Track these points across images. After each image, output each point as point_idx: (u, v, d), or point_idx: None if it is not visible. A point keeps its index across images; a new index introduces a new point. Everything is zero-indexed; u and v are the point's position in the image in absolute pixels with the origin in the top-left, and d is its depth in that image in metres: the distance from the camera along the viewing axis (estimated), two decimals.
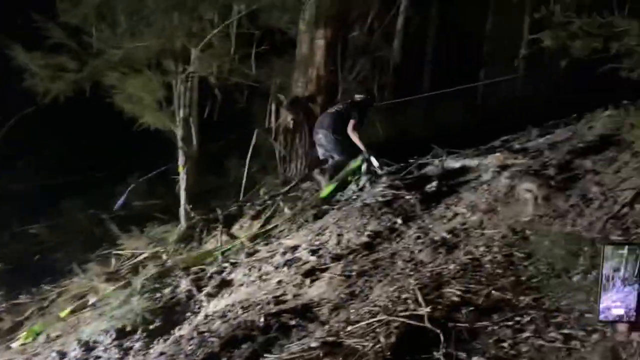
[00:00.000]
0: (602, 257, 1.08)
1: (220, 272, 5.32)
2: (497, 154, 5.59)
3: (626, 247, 1.09)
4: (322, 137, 6.51)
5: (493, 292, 3.03)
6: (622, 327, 1.07)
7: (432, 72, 13.90)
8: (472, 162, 5.75)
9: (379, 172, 6.15)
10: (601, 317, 1.09)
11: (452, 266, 3.56)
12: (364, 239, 4.63)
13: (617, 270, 1.09)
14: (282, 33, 6.88)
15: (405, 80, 12.27)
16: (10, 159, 8.37)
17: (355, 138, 6.34)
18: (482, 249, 3.75)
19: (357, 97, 6.75)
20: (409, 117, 11.18)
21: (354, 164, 6.34)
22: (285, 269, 4.71)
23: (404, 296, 3.27)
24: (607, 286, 1.08)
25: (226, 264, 5.46)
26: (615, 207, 3.50)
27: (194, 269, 5.59)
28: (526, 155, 5.32)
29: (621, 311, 1.06)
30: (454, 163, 5.91)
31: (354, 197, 5.84)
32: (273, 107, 7.38)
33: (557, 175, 4.41)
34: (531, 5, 12.27)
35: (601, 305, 1.08)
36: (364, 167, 6.24)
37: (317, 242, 4.99)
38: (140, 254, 6.43)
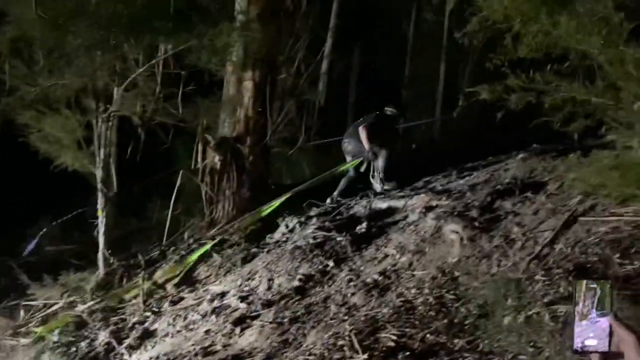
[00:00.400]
0: (575, 291, 1.15)
1: (142, 322, 5.03)
2: (422, 195, 5.75)
3: (598, 282, 1.16)
4: (347, 144, 7.22)
5: (428, 335, 3.05)
6: (595, 357, 1.13)
7: (355, 114, 14.34)
8: (398, 203, 5.87)
9: (378, 186, 6.69)
10: (576, 347, 1.14)
11: (385, 309, 3.56)
12: (296, 283, 4.55)
13: (589, 304, 1.15)
14: (209, 74, 6.81)
15: (330, 122, 12.54)
16: None
17: (363, 137, 6.90)
18: (413, 291, 3.79)
19: (387, 109, 7.36)
20: (334, 158, 11.37)
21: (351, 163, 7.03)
22: (213, 317, 4.53)
23: (339, 343, 3.22)
24: (580, 319, 1.14)
25: (148, 313, 5.17)
26: (537, 248, 3.67)
27: (114, 319, 5.25)
28: (449, 197, 5.50)
29: (594, 342, 1.12)
30: (381, 204, 6.01)
31: (284, 239, 5.77)
32: (199, 148, 7.21)
33: (480, 216, 4.57)
34: (446, 54, 13.10)
35: (576, 338, 1.14)
36: (372, 177, 6.82)
37: (246, 288, 4.86)
38: (53, 304, 5.96)
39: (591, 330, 1.14)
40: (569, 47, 3.28)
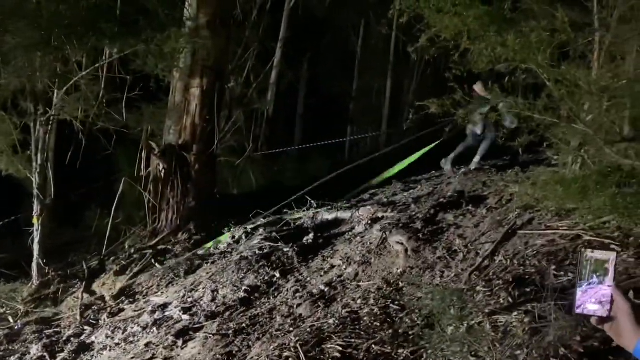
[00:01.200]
0: (580, 259, 1.23)
1: (78, 335, 4.82)
2: (368, 207, 5.82)
3: (602, 252, 1.25)
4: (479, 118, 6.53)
5: (373, 346, 3.07)
6: (594, 320, 1.23)
7: (303, 125, 14.41)
8: (345, 215, 5.92)
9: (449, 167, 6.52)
10: (577, 310, 1.23)
11: (331, 320, 3.56)
12: (241, 294, 4.49)
13: (593, 271, 1.24)
14: (156, 80, 6.66)
15: (278, 133, 12.54)
16: None
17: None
18: (359, 301, 3.81)
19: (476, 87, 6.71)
20: (282, 168, 11.36)
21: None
22: (154, 329, 4.39)
23: (285, 354, 3.19)
24: (582, 285, 1.23)
25: (86, 326, 4.96)
26: (478, 260, 3.78)
27: (48, 331, 5.00)
28: (395, 209, 5.59)
29: (595, 307, 1.21)
30: (327, 215, 6.04)
31: (229, 249, 5.69)
32: (143, 155, 7.03)
33: (424, 228, 4.67)
34: (393, 69, 13.41)
35: (577, 302, 1.23)
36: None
37: (189, 299, 4.75)
38: None
39: (593, 296, 1.23)
40: (516, 64, 3.42)
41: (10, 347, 4.78)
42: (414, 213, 5.28)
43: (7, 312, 5.60)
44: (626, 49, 3.28)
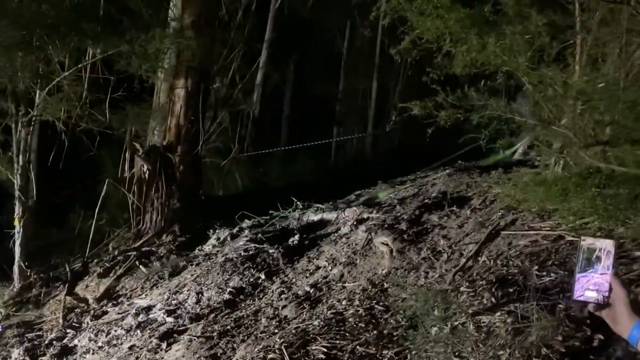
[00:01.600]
0: (579, 246, 1.26)
1: (61, 338, 4.77)
2: (354, 208, 5.83)
3: (602, 240, 1.27)
4: None
5: (358, 347, 3.07)
6: (591, 307, 1.25)
7: (289, 127, 14.41)
8: (330, 216, 5.92)
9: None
10: (576, 297, 1.26)
11: (316, 322, 3.56)
12: (226, 296, 4.47)
13: (590, 259, 1.26)
14: (139, 80, 6.61)
15: (264, 134, 12.51)
16: None
17: None
18: (344, 302, 3.81)
19: None
20: (268, 170, 11.35)
21: None
22: (138, 332, 4.36)
23: (269, 356, 3.18)
24: (581, 272, 1.26)
25: (68, 329, 4.90)
26: (462, 260, 3.80)
27: (30, 335, 4.94)
28: (380, 210, 5.61)
29: (594, 294, 1.24)
30: (313, 216, 6.04)
31: (214, 251, 5.66)
32: (127, 156, 6.96)
33: (409, 229, 4.69)
34: (379, 71, 13.46)
35: (576, 289, 1.25)
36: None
37: (174, 302, 4.72)
38: None
39: (591, 284, 1.25)
40: (497, 67, 3.45)
41: None
42: (399, 214, 5.30)
43: None
44: (606, 51, 3.32)
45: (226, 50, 9.48)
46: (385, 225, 4.92)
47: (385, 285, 3.96)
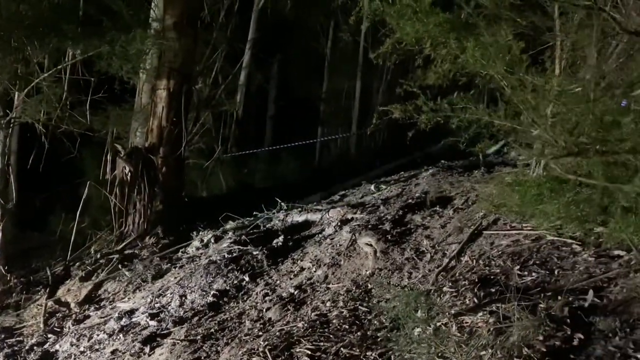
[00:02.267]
0: None
1: (42, 344, 4.70)
2: (338, 209, 5.83)
3: None
4: None
5: (342, 349, 3.08)
6: None
7: (273, 127, 14.38)
8: (314, 216, 5.92)
9: None
10: None
11: (300, 324, 3.55)
12: (210, 299, 4.45)
13: None
14: (121, 81, 6.55)
15: (248, 134, 12.47)
16: None
17: None
18: (328, 304, 3.82)
19: None
20: (252, 170, 11.32)
21: None
22: (121, 336, 4.32)
23: (253, 359, 3.17)
24: None
25: (49, 334, 4.84)
26: (445, 260, 3.83)
27: (10, 340, 4.86)
28: (364, 210, 5.62)
29: None
30: (297, 217, 6.04)
31: (198, 254, 5.63)
32: (109, 158, 6.89)
33: (392, 229, 4.71)
34: (362, 72, 13.49)
35: None
36: None
37: (157, 305, 4.68)
38: None
39: None
40: (475, 71, 3.48)
41: None
42: (382, 214, 5.31)
43: None
44: (582, 55, 3.36)
45: (209, 50, 9.44)
46: (369, 226, 4.93)
47: (369, 286, 3.97)
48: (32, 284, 5.98)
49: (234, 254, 5.14)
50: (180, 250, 5.93)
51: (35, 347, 4.64)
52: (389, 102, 4.43)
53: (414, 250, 4.21)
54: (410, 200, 5.47)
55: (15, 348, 4.70)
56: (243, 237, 5.53)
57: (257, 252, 5.09)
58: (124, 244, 6.49)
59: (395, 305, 3.40)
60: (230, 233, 5.81)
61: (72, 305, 5.38)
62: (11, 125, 5.82)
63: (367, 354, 2.99)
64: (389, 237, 4.54)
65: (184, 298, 4.59)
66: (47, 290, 5.69)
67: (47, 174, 7.12)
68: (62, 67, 6.03)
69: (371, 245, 4.51)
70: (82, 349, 4.31)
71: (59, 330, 4.89)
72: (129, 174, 6.79)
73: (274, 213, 6.35)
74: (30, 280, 6.05)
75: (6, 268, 5.98)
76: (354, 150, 13.52)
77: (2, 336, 5.02)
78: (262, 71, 13.05)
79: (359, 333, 3.26)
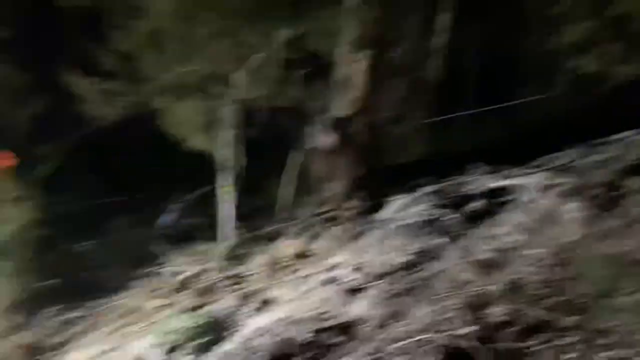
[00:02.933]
0: None
1: (265, 289, 5.47)
2: (542, 173, 5.55)
3: None
4: None
5: (538, 311, 3.04)
6: None
7: (475, 89, 13.83)
8: (516, 181, 5.71)
9: None
10: None
11: (496, 286, 3.58)
12: (407, 257, 4.67)
13: None
14: (318, 57, 7.05)
15: (449, 98, 12.21)
16: (66, 181, 8.68)
17: None
18: (526, 269, 3.76)
19: None
20: (451, 134, 11.13)
21: None
22: (328, 286, 4.81)
23: (448, 314, 3.31)
24: None
25: (270, 282, 5.61)
26: None
27: (238, 286, 5.75)
28: (570, 175, 5.25)
29: None
30: (497, 181, 5.88)
31: (396, 216, 5.88)
32: (314, 128, 7.49)
33: (601, 195, 4.36)
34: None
35: None
36: None
37: (359, 261, 5.07)
38: (185, 271, 6.63)
39: None
40: None
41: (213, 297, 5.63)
42: (591, 179, 4.92)
43: (206, 268, 6.51)
44: None
45: (405, 17, 9.44)
46: (576, 191, 4.63)
47: (572, 254, 3.78)
48: (256, 239, 6.92)
49: (431, 217, 5.27)
50: (380, 213, 6.24)
51: (259, 293, 5.43)
52: None
53: (624, 217, 3.86)
54: (625, 164, 4.95)
55: (245, 291, 5.54)
56: (440, 200, 5.62)
57: (454, 215, 5.14)
58: (329, 206, 7.07)
59: (601, 273, 3.23)
60: (427, 197, 5.93)
61: (288, 258, 6.09)
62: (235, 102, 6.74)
63: (567, 318, 2.91)
64: (597, 203, 4.22)
65: (382, 256, 4.89)
66: (268, 245, 6.54)
67: (263, 145, 8.00)
68: (274, 47, 6.71)
69: (576, 210, 4.25)
70: (297, 294, 4.91)
71: (278, 278, 5.61)
72: (333, 142, 7.31)
73: (472, 177, 6.27)
74: (255, 235, 7.00)
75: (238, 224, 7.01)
76: (561, 113, 12.40)
77: (233, 282, 5.92)
78: (463, 32, 12.59)
79: (558, 298, 3.18)
